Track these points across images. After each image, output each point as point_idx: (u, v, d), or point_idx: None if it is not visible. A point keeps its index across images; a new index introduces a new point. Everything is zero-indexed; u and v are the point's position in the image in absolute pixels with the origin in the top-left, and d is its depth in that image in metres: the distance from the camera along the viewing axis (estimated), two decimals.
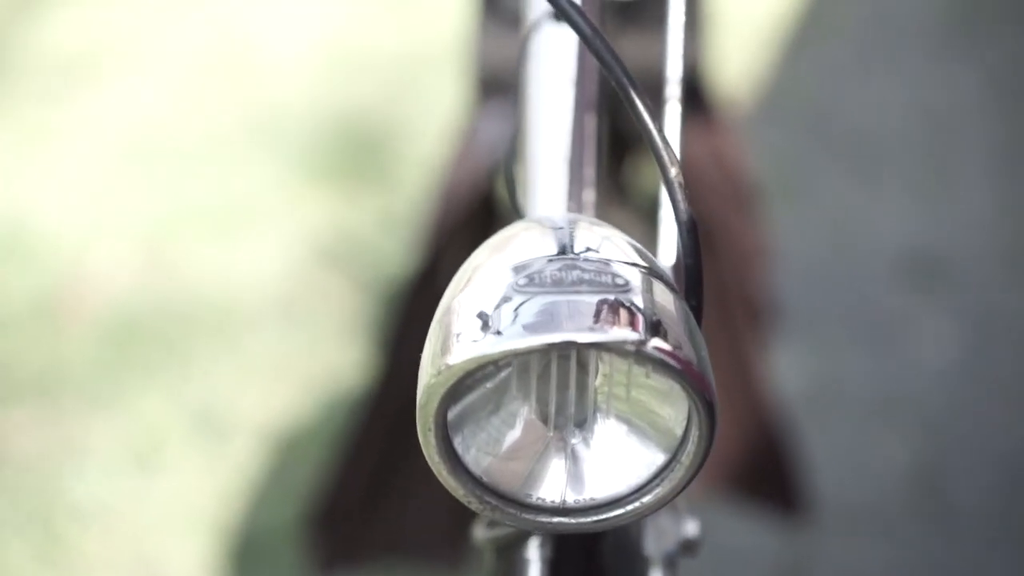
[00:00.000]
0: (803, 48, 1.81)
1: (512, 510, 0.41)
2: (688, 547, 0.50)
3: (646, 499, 0.41)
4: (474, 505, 0.41)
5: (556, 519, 0.41)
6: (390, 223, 1.62)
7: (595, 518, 0.41)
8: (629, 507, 0.41)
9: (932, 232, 1.64)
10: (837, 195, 1.67)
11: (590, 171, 0.49)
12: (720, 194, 1.11)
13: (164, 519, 1.38)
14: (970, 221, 1.65)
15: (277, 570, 1.33)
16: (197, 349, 1.53)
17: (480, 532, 0.50)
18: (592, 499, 0.41)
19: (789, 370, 1.43)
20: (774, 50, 1.80)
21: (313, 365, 1.51)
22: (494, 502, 0.41)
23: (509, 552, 0.49)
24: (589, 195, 0.49)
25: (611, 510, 0.41)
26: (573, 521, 0.41)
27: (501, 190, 0.99)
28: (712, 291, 1.07)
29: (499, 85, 0.97)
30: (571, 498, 0.41)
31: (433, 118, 1.65)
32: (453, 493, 0.41)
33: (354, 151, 1.71)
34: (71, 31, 1.82)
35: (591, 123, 0.51)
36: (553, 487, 0.42)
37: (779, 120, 1.75)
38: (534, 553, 0.48)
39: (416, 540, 1.06)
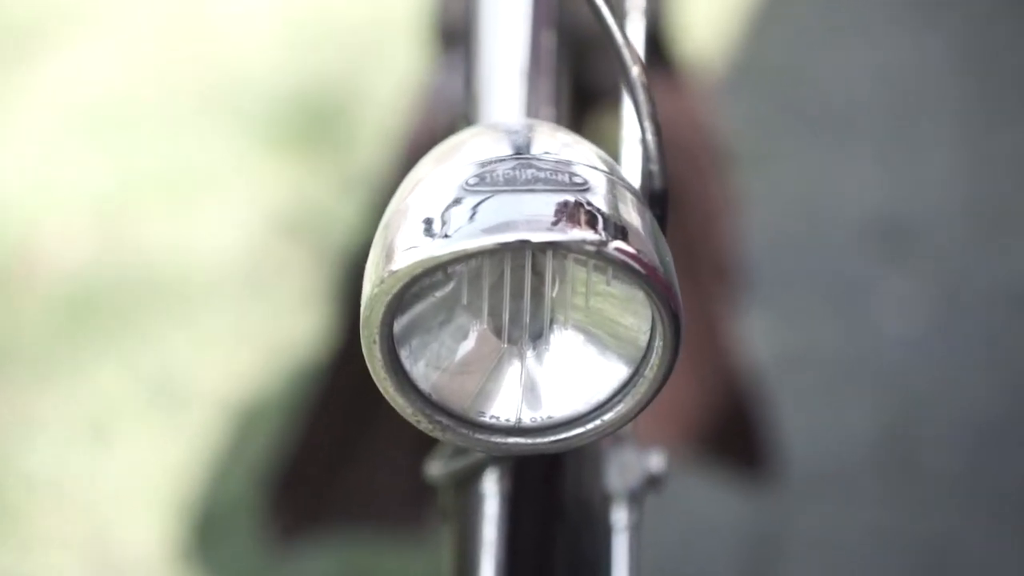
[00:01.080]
0: (770, 15, 1.79)
1: (464, 430, 0.38)
2: (653, 482, 0.47)
3: (607, 416, 0.38)
4: (423, 425, 0.38)
5: (511, 439, 0.39)
6: (350, 191, 1.58)
7: (553, 438, 0.39)
8: (589, 425, 0.38)
9: (900, 198, 1.62)
10: (805, 162, 1.65)
11: (548, 85, 0.46)
12: (687, 152, 1.08)
13: (120, 491, 1.34)
14: (938, 187, 1.64)
15: (236, 543, 1.29)
16: (154, 319, 1.49)
17: (434, 467, 0.47)
18: (549, 417, 0.39)
19: (757, 337, 1.41)
20: (741, 17, 1.78)
21: (273, 335, 1.47)
22: (445, 421, 0.38)
23: (465, 486, 0.46)
24: (548, 111, 0.46)
25: (570, 429, 0.38)
26: (529, 441, 0.39)
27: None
28: (679, 249, 1.04)
29: (459, 37, 0.94)
30: (527, 416, 0.39)
31: (392, 84, 1.61)
32: (401, 412, 0.38)
33: (313, 119, 1.67)
34: None
35: (548, 38, 0.48)
36: (507, 405, 0.39)
37: (745, 87, 1.73)
38: (491, 487, 0.45)
39: (378, 506, 1.03)
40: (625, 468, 0.48)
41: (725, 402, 1.00)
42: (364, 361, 1.00)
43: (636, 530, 0.48)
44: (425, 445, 1.02)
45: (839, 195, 1.62)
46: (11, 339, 1.48)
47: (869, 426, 1.42)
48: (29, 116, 1.67)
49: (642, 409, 0.38)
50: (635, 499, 0.48)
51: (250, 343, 1.46)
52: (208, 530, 1.31)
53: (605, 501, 0.48)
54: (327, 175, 1.62)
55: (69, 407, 1.41)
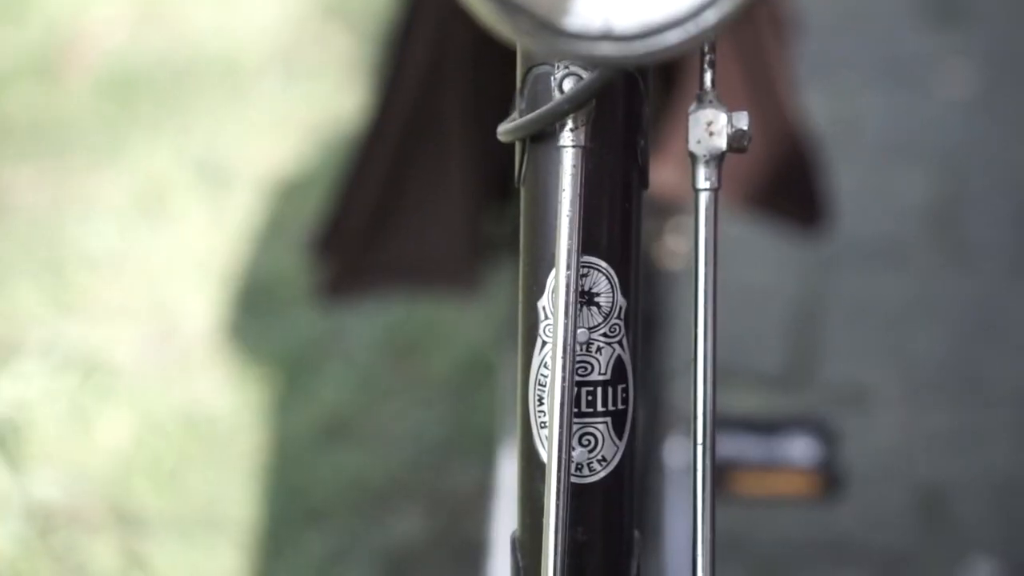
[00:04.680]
0: None
1: (547, 35, 0.33)
2: (737, 140, 0.43)
3: (707, 14, 0.33)
4: (505, 29, 0.34)
5: (600, 45, 0.34)
6: None
7: (646, 44, 0.34)
8: (688, 27, 0.33)
9: None
10: None
11: None
12: None
13: (172, 266, 1.32)
14: None
15: (284, 311, 1.27)
16: (198, 102, 1.44)
17: (507, 126, 0.42)
18: (643, 21, 0.34)
19: (809, 112, 1.36)
20: None
21: (315, 114, 1.42)
22: (526, 25, 0.33)
23: (540, 141, 0.42)
24: None
25: (665, 33, 0.33)
26: (620, 49, 0.34)
27: None
28: None
29: None
30: (617, 20, 0.34)
31: None
32: (477, 14, 0.33)
33: None
34: None
35: None
36: (596, 6, 0.34)
37: None
38: (568, 137, 0.41)
39: (428, 263, 0.99)
40: (708, 128, 0.43)
41: (784, 155, 0.95)
42: (406, 117, 0.95)
43: (716, 193, 0.44)
44: (475, 205, 0.97)
45: None
46: (62, 123, 1.44)
47: (917, 195, 1.37)
48: None
49: (746, 8, 0.33)
50: (718, 160, 0.43)
51: (293, 123, 1.41)
52: (257, 299, 1.29)
53: (688, 160, 0.43)
54: None
55: (120, 187, 1.37)
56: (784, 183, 0.98)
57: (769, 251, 1.27)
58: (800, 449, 0.87)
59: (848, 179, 1.32)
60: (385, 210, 0.98)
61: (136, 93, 1.44)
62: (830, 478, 0.86)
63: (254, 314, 1.27)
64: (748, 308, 1.27)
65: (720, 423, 0.91)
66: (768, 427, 0.89)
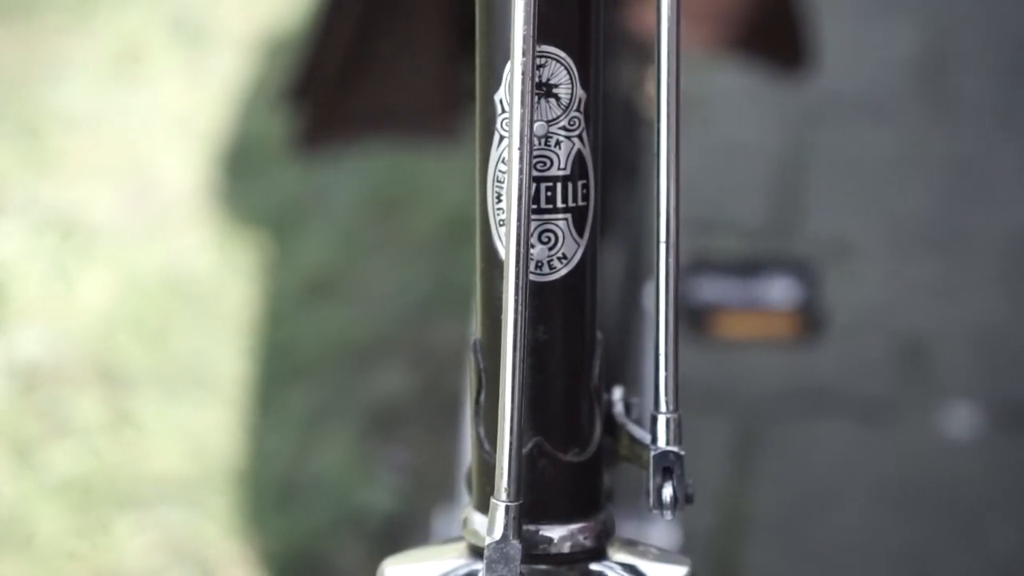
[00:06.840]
0: None
1: None
2: None
3: None
4: None
5: None
6: None
7: None
8: None
9: None
10: None
11: None
12: None
13: (150, 126, 1.29)
14: None
15: (265, 170, 1.25)
16: None
17: None
18: None
19: None
20: None
21: None
22: None
23: None
24: None
25: None
26: None
27: None
28: None
29: None
30: None
31: None
32: None
33: None
34: None
35: None
36: None
37: None
38: None
39: (405, 111, 0.97)
40: None
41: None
42: None
43: None
44: (451, 53, 0.94)
45: None
46: None
47: (904, 50, 1.34)
48: None
49: None
50: None
51: None
52: (237, 158, 1.26)
53: None
54: None
55: (94, 47, 1.34)
56: (766, 24, 0.95)
57: (753, 107, 1.25)
58: (781, 290, 0.86)
59: (833, 32, 1.29)
60: (359, 58, 0.95)
61: None
62: (811, 319, 0.85)
63: (235, 173, 1.25)
64: (731, 163, 1.25)
65: (701, 266, 0.90)
66: (749, 269, 0.87)
